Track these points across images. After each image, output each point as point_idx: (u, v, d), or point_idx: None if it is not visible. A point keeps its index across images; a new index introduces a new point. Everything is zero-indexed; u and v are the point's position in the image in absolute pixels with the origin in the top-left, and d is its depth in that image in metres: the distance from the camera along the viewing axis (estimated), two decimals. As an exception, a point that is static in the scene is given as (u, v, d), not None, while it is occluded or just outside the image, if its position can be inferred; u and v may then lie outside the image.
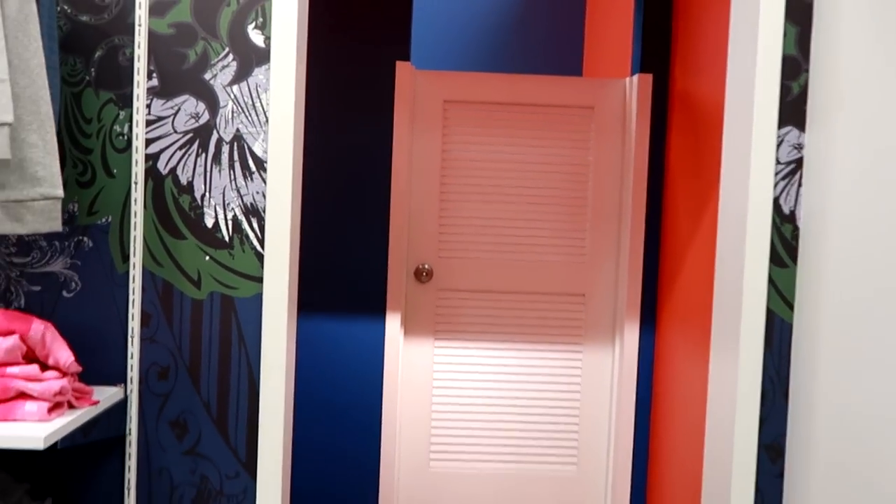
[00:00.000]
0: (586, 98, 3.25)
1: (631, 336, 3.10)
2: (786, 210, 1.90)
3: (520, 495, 3.41)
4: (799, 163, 1.89)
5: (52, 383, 1.52)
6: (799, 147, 1.89)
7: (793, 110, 1.89)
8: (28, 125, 1.45)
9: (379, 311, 3.06)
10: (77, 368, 1.62)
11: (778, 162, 1.89)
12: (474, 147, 3.28)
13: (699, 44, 2.67)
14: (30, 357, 1.56)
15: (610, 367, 3.26)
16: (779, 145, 1.89)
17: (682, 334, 2.75)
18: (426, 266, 3.25)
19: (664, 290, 3.00)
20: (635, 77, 3.07)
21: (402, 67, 3.03)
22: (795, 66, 1.88)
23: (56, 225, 1.53)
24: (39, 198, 1.48)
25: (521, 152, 3.30)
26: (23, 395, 1.51)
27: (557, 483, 3.36)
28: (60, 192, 1.52)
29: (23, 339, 1.53)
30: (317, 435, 3.04)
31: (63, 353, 1.56)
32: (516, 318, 3.34)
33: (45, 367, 1.57)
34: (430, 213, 3.27)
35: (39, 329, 1.55)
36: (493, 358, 3.33)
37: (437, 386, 3.32)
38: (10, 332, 1.51)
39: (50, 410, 1.52)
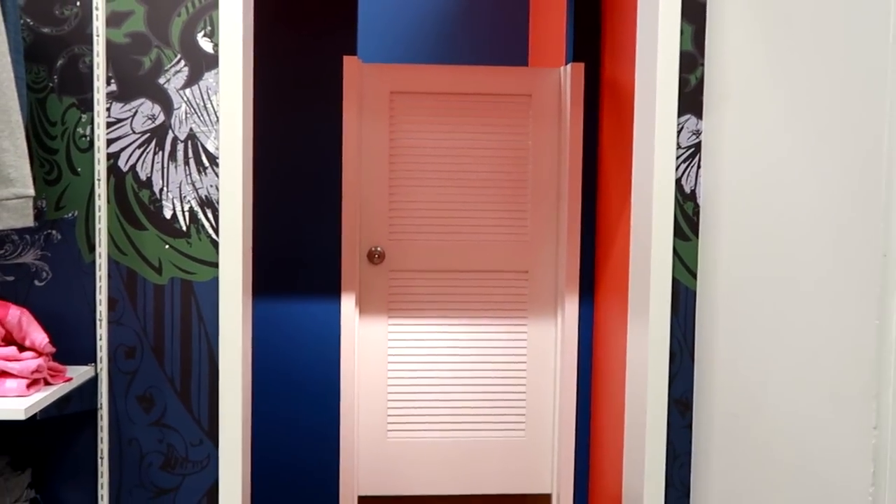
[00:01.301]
0: (524, 86, 3.45)
1: (571, 308, 3.32)
2: (687, 189, 2.13)
3: (473, 462, 3.64)
4: (697, 147, 2.12)
5: (30, 362, 1.70)
6: (697, 133, 2.11)
7: (691, 100, 2.11)
8: (0, 132, 1.63)
9: (334, 293, 3.25)
10: (51, 349, 1.81)
11: (679, 146, 2.11)
12: (420, 135, 3.48)
13: (623, 35, 2.88)
14: (8, 340, 1.74)
15: (553, 338, 3.48)
16: (679, 131, 2.11)
17: (615, 305, 2.98)
18: (378, 248, 3.45)
19: (600, 264, 3.22)
20: (569, 66, 3.28)
21: (349, 61, 3.21)
22: (692, 61, 2.10)
23: (28, 220, 1.71)
24: (12, 197, 1.66)
25: (465, 139, 3.50)
26: (3, 374, 1.69)
27: (507, 449, 3.59)
28: (31, 191, 1.70)
29: (1, 323, 1.70)
30: (279, 410, 3.23)
31: (38, 335, 1.75)
32: (465, 295, 3.56)
33: (22, 348, 1.75)
34: (381, 198, 3.46)
35: (16, 314, 1.73)
36: (444, 333, 3.55)
37: (392, 361, 3.53)
38: (-11, 318, 1.69)
39: (28, 387, 1.70)
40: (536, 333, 3.53)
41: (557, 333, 3.43)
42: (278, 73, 3.14)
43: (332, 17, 3.19)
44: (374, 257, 3.44)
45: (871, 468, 1.37)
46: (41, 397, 1.69)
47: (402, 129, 3.48)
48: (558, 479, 3.41)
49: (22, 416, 1.60)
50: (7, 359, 1.68)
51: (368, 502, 3.62)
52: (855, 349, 1.41)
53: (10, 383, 1.68)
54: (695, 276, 2.14)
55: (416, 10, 4.83)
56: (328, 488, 3.29)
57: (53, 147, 1.99)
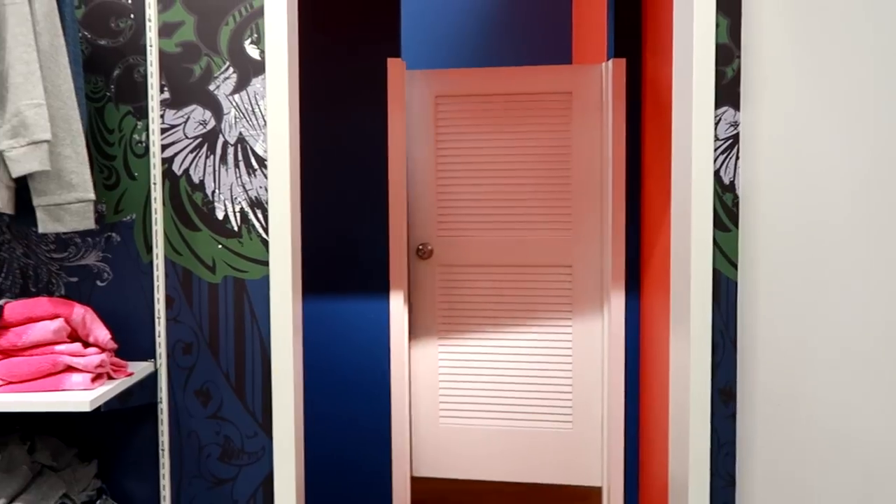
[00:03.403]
0: (565, 84, 3.48)
1: (617, 302, 3.34)
2: (726, 181, 2.14)
3: (521, 450, 3.70)
4: (735, 138, 2.13)
5: (93, 357, 1.80)
6: (735, 124, 2.13)
7: (728, 92, 2.12)
8: (62, 140, 1.73)
9: (383, 290, 3.32)
10: (113, 346, 1.90)
11: (717, 138, 2.13)
12: (466, 136, 3.56)
13: (662, 30, 2.90)
14: (73, 337, 1.84)
15: (599, 331, 3.51)
16: (717, 123, 2.13)
17: (660, 298, 2.99)
18: (427, 245, 3.55)
19: (645, 258, 3.24)
20: (610, 62, 3.30)
21: (393, 63, 3.28)
22: (728, 53, 2.12)
23: (90, 223, 1.81)
24: (75, 201, 1.76)
25: (509, 138, 3.57)
26: (69, 369, 1.79)
27: (555, 440, 3.63)
28: (92, 196, 1.79)
29: (67, 321, 1.80)
30: (331, 405, 3.32)
31: (101, 332, 1.84)
32: (511, 290, 3.62)
33: (86, 344, 1.85)
34: (429, 197, 3.55)
35: (80, 312, 1.83)
36: (491, 325, 3.62)
37: (443, 353, 3.61)
38: (56, 316, 1.79)
39: (93, 381, 1.80)
40: (581, 326, 3.56)
41: (603, 327, 3.46)
42: (324, 76, 3.23)
43: (376, 21, 3.26)
44: (423, 253, 3.55)
45: (908, 451, 1.38)
46: (105, 390, 1.79)
47: (448, 130, 3.57)
48: (608, 471, 3.43)
49: (87, 408, 1.69)
50: (73, 354, 1.78)
51: (421, 482, 3.71)
52: (891, 336, 1.42)
53: (76, 377, 1.78)
54: (735, 266, 2.16)
55: (459, 10, 4.89)
56: (380, 482, 3.37)
57: (111, 153, 2.09)
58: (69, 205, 1.75)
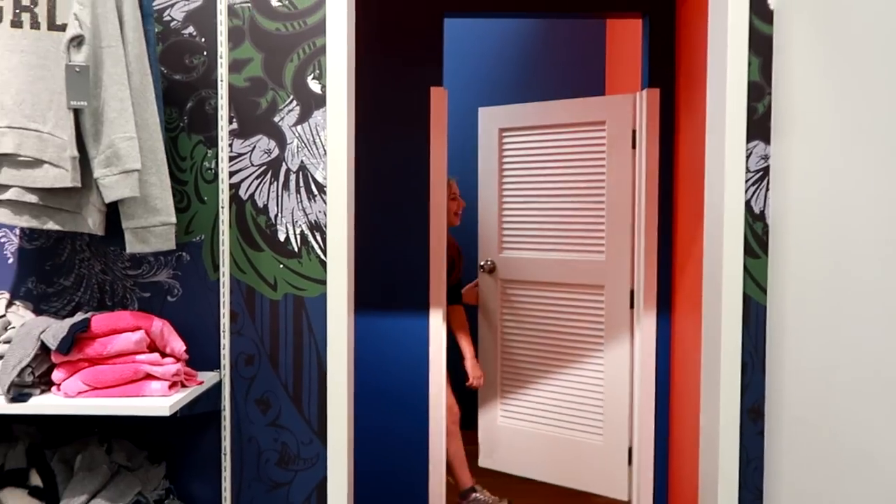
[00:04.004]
0: (605, 114, 3.63)
1: (649, 322, 3.46)
2: (756, 210, 2.28)
3: (556, 455, 3.87)
4: (766, 171, 2.27)
5: (171, 367, 1.97)
6: (765, 157, 2.26)
7: (759, 127, 2.26)
8: (149, 169, 1.90)
9: (423, 307, 3.48)
10: (186, 356, 2.07)
11: (748, 170, 2.27)
12: (524, 165, 4.01)
13: (696, 62, 3.04)
14: (152, 347, 2.00)
15: (629, 348, 3.64)
16: (748, 156, 2.26)
17: (690, 319, 3.12)
18: (489, 261, 3.97)
19: (676, 281, 3.36)
20: (644, 91, 3.44)
21: (435, 92, 3.45)
22: (760, 90, 2.26)
23: (171, 244, 1.98)
24: (159, 224, 1.93)
25: (557, 164, 3.86)
26: (149, 377, 1.95)
27: (585, 449, 3.81)
28: (174, 220, 1.97)
29: (147, 333, 1.97)
30: (374, 417, 3.47)
31: (177, 344, 2.01)
32: (553, 306, 3.87)
33: (163, 355, 2.01)
34: (494, 219, 3.99)
35: (159, 325, 2.00)
36: (538, 334, 3.95)
37: (504, 357, 3.98)
38: (137, 328, 1.96)
39: (170, 388, 1.96)
40: (613, 343, 3.69)
41: (634, 344, 3.58)
42: (372, 104, 3.40)
43: (420, 52, 3.44)
44: (486, 268, 4.00)
45: (924, 466, 1.50)
46: (180, 397, 1.95)
47: (510, 159, 3.98)
48: (638, 486, 3.54)
49: (167, 413, 1.86)
50: (152, 363, 1.95)
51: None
52: (908, 357, 1.55)
53: (155, 385, 1.94)
54: (765, 291, 2.29)
55: (498, 42, 5.07)
56: (418, 490, 3.51)
57: (183, 179, 2.27)
58: (154, 227, 1.92)
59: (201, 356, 2.27)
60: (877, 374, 1.69)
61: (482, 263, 4.16)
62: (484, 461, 4.28)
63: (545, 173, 3.95)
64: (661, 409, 3.48)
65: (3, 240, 2.27)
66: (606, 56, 5.00)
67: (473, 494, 3.81)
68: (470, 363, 3.88)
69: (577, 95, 4.26)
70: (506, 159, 4.09)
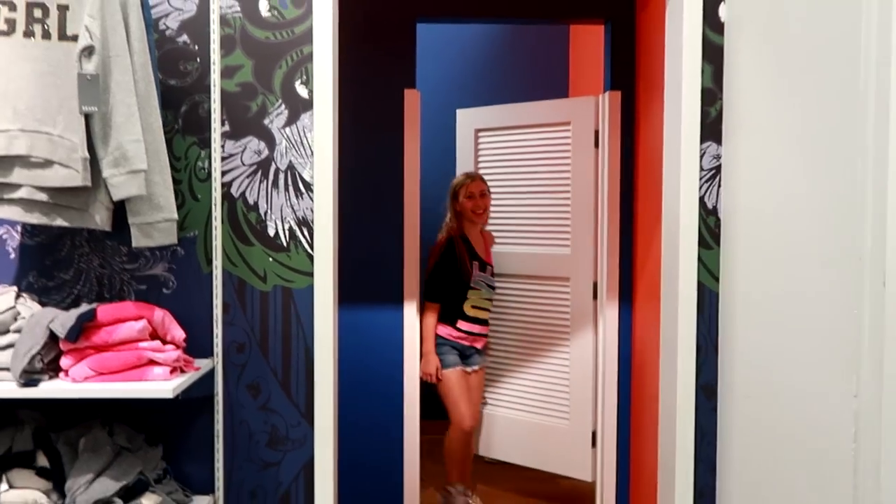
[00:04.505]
0: (568, 114, 3.83)
1: (612, 311, 3.66)
2: (709, 205, 2.49)
3: (523, 437, 4.11)
4: (718, 169, 2.48)
5: (171, 353, 2.12)
6: (718, 157, 2.47)
7: (712, 129, 2.47)
8: (153, 169, 2.05)
9: (398, 300, 3.65)
10: (185, 344, 2.22)
11: (702, 169, 2.47)
12: (499, 162, 4.20)
13: (654, 67, 3.24)
14: (153, 335, 2.15)
15: (593, 338, 3.84)
16: (702, 156, 2.47)
17: (650, 306, 3.33)
18: None
19: (637, 272, 3.57)
20: (606, 94, 3.64)
21: (409, 94, 3.61)
22: (712, 96, 2.47)
23: (173, 239, 2.13)
24: (162, 220, 2.08)
25: (527, 162, 4.06)
26: (151, 363, 2.10)
27: (552, 432, 4.03)
28: (176, 216, 2.12)
29: (149, 322, 2.12)
30: (352, 408, 3.63)
31: (177, 332, 2.16)
32: (522, 297, 4.07)
33: (164, 342, 2.16)
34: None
35: (160, 314, 2.14)
36: (507, 324, 4.11)
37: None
38: (140, 318, 2.10)
39: (171, 373, 2.11)
40: (578, 331, 3.89)
41: (598, 334, 3.78)
42: (349, 106, 3.55)
43: (394, 55, 3.60)
44: None
45: (852, 429, 1.71)
46: (181, 381, 2.10)
47: (485, 157, 4.14)
48: (602, 467, 3.74)
49: (170, 395, 2.01)
50: (155, 350, 2.09)
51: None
52: (839, 334, 1.76)
53: (157, 370, 2.09)
54: (717, 279, 2.50)
55: (473, 46, 5.27)
56: (392, 480, 3.68)
57: (178, 178, 2.41)
58: (158, 223, 2.08)
59: (195, 345, 2.41)
60: (810, 351, 1.90)
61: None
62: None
63: (516, 171, 4.16)
64: (623, 395, 3.69)
65: (5, 236, 2.39)
66: (571, 59, 5.21)
67: (460, 496, 3.99)
68: None
69: (547, 97, 4.46)
70: (481, 158, 4.29)
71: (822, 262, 1.85)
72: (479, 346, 4.01)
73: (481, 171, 4.26)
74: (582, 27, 4.77)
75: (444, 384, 3.88)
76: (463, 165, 4.39)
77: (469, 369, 3.97)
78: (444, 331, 3.92)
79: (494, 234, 4.20)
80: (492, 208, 4.07)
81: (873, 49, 1.63)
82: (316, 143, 2.42)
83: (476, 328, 3.96)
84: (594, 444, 3.89)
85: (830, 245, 1.81)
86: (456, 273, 3.89)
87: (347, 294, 3.55)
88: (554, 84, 5.19)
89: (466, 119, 4.39)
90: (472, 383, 3.99)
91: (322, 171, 2.42)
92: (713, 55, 2.46)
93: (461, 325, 3.92)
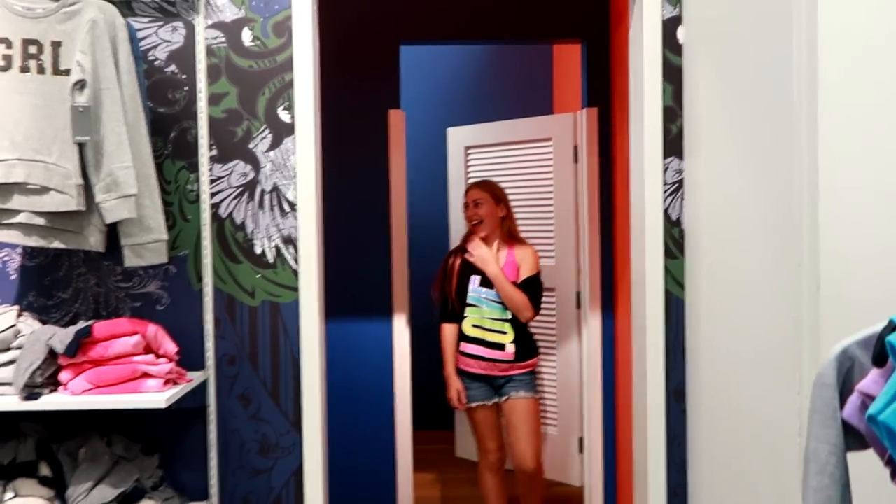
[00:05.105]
0: (548, 131, 3.97)
1: (594, 320, 3.78)
2: (673, 217, 2.62)
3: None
4: (680, 183, 2.61)
5: (164, 366, 2.25)
6: (680, 171, 2.61)
7: (674, 145, 2.61)
8: (143, 193, 2.19)
9: (387, 313, 3.77)
10: (178, 357, 2.35)
11: (665, 182, 2.61)
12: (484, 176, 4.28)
13: (626, 84, 3.38)
14: (147, 349, 2.28)
15: (578, 347, 3.96)
16: (665, 170, 2.61)
17: (630, 317, 3.44)
18: None
19: (618, 282, 3.69)
20: (584, 111, 3.78)
21: (394, 114, 3.76)
22: (673, 113, 2.60)
23: (164, 258, 2.27)
24: (153, 241, 2.22)
25: (513, 177, 4.16)
26: (145, 375, 2.23)
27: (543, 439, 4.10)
28: (166, 237, 2.26)
29: (143, 336, 2.25)
30: (343, 419, 3.76)
31: (170, 346, 2.29)
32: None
33: (158, 356, 2.29)
34: (460, 228, 4.45)
35: (153, 330, 2.27)
36: None
37: None
38: (134, 333, 2.23)
39: (164, 385, 2.24)
40: (564, 340, 4.01)
41: (583, 343, 3.90)
42: (336, 126, 3.69)
43: (379, 77, 3.75)
44: None
45: (797, 423, 1.83)
46: (174, 392, 2.23)
47: (474, 173, 4.27)
48: (590, 473, 3.85)
49: (164, 405, 2.14)
50: (149, 363, 2.22)
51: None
52: (783, 335, 1.89)
53: (151, 382, 2.22)
54: (683, 287, 2.62)
55: (460, 66, 5.43)
56: (385, 489, 3.79)
57: (169, 201, 2.54)
58: (149, 244, 2.21)
59: (188, 358, 2.54)
60: (761, 353, 2.03)
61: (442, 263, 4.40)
62: (460, 452, 4.58)
63: (504, 186, 4.27)
64: (608, 401, 3.80)
65: (6, 258, 2.53)
66: (553, 77, 5.35)
67: None
68: None
69: (533, 114, 4.60)
70: (471, 174, 4.43)
71: (766, 268, 1.98)
72: (499, 372, 3.45)
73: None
74: (565, 46, 4.91)
75: (469, 419, 3.58)
76: (454, 181, 4.52)
77: (490, 402, 3.48)
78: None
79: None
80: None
81: (804, 71, 1.76)
82: (299, 165, 2.56)
83: (484, 351, 3.44)
84: (581, 449, 4.00)
85: (773, 253, 1.93)
86: (446, 290, 3.56)
87: (338, 308, 3.69)
88: (539, 101, 5.33)
89: (457, 137, 4.54)
90: (510, 414, 3.47)
91: (305, 191, 2.56)
92: (673, 75, 2.60)
93: (463, 346, 3.49)
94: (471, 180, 4.38)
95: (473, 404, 3.48)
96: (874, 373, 1.11)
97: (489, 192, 3.52)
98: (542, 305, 4.03)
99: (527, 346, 3.49)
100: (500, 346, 3.43)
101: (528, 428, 3.44)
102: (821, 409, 1.15)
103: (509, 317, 3.43)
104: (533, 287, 3.45)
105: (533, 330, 3.85)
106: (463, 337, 3.49)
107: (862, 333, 1.16)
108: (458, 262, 3.53)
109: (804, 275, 1.78)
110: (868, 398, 1.09)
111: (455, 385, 3.49)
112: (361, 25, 3.72)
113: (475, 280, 3.46)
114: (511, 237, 3.53)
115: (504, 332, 3.44)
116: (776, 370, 1.95)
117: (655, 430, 2.65)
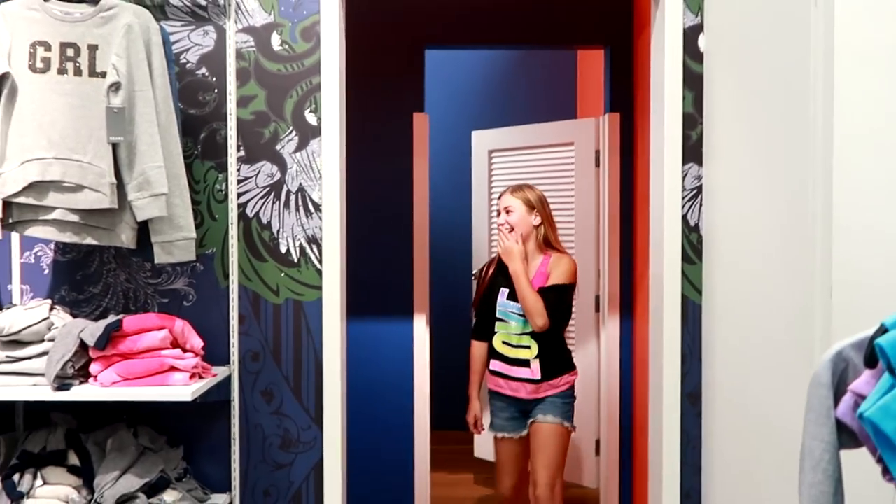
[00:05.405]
0: (570, 136, 4.01)
1: (613, 323, 3.81)
2: (692, 223, 2.65)
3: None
4: (699, 189, 2.64)
5: (191, 360, 2.31)
6: (699, 178, 2.64)
7: (693, 151, 2.64)
8: (173, 192, 2.26)
9: (408, 313, 3.83)
10: (203, 352, 2.41)
11: (684, 189, 2.64)
12: (509, 182, 4.32)
13: (648, 90, 3.41)
14: (174, 344, 2.35)
15: (596, 350, 3.99)
16: (684, 177, 2.64)
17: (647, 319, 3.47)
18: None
19: (637, 286, 3.72)
20: (606, 116, 3.81)
21: (418, 117, 3.81)
22: (693, 120, 2.63)
23: (192, 256, 2.34)
24: (182, 239, 2.29)
25: (535, 180, 4.21)
26: (172, 369, 2.29)
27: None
28: (195, 235, 2.33)
29: (170, 331, 2.32)
30: (363, 411, 3.81)
31: (196, 341, 2.36)
32: None
33: (184, 350, 2.36)
34: (484, 231, 4.41)
35: (180, 325, 2.34)
36: None
37: None
38: (162, 328, 2.30)
39: (190, 378, 2.31)
40: (581, 343, 4.04)
41: (601, 346, 3.93)
42: (361, 129, 3.75)
43: (404, 80, 3.80)
44: (476, 277, 4.18)
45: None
46: (199, 386, 2.30)
47: (498, 176, 4.29)
48: (606, 476, 3.88)
49: (189, 398, 2.21)
50: (175, 357, 2.29)
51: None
52: (795, 340, 1.92)
53: (178, 376, 2.29)
54: (700, 292, 2.65)
55: (485, 70, 5.48)
56: (403, 487, 3.85)
57: (198, 200, 2.61)
58: (178, 241, 2.28)
59: (213, 353, 2.60)
60: (776, 357, 2.06)
61: (474, 272, 4.34)
62: (478, 452, 4.61)
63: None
64: (625, 404, 3.83)
65: (39, 254, 2.61)
66: (578, 82, 5.39)
67: None
68: None
69: (556, 118, 4.63)
70: (494, 177, 4.46)
71: (781, 274, 2.01)
72: (528, 395, 3.12)
73: (494, 190, 4.36)
74: (588, 51, 4.95)
75: (494, 446, 3.30)
76: (478, 184, 4.52)
77: (517, 435, 3.19)
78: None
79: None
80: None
81: (820, 80, 1.79)
82: (324, 166, 2.62)
83: (507, 368, 3.13)
84: (597, 452, 4.03)
85: (787, 260, 1.97)
86: (482, 301, 3.29)
87: (360, 307, 3.74)
88: (562, 106, 5.36)
89: (481, 140, 4.55)
90: (532, 437, 3.15)
91: (330, 192, 2.62)
92: (693, 82, 2.63)
93: (492, 364, 3.21)
94: (494, 184, 4.42)
95: (499, 434, 3.22)
96: (866, 374, 1.15)
97: (521, 199, 3.16)
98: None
99: (557, 362, 3.13)
100: (524, 363, 3.09)
101: (548, 456, 3.10)
102: (816, 408, 1.20)
103: (526, 331, 3.10)
104: (555, 295, 3.07)
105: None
106: (492, 354, 3.20)
107: (856, 336, 1.21)
108: (489, 272, 3.27)
109: (817, 281, 1.81)
110: (860, 398, 1.13)
111: (474, 409, 3.30)
112: (387, 29, 3.78)
113: (504, 293, 3.14)
114: (548, 245, 3.20)
115: (527, 347, 3.09)
116: (790, 375, 1.97)
117: (670, 432, 2.68)
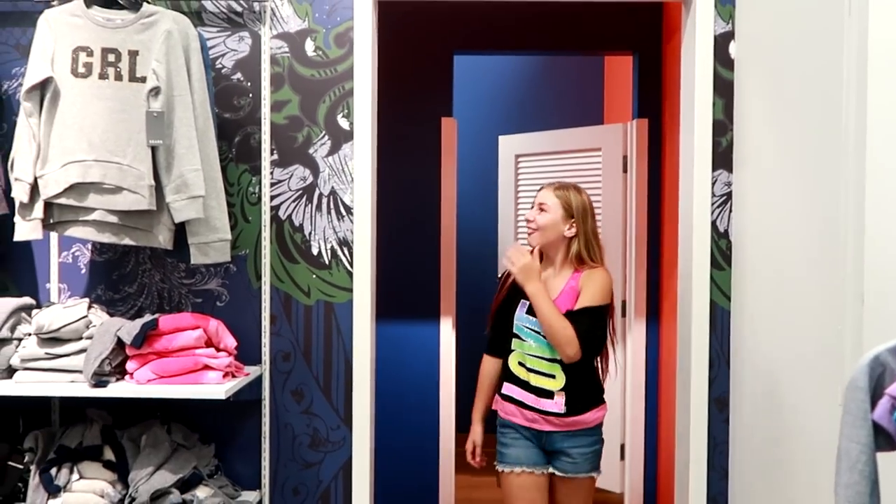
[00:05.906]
0: (597, 141, 4.02)
1: (639, 330, 3.82)
2: (721, 229, 2.66)
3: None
4: (729, 195, 2.65)
5: (224, 359, 2.36)
6: (728, 184, 2.65)
7: (723, 158, 2.65)
8: (210, 194, 2.31)
9: (435, 316, 3.86)
10: (236, 351, 2.46)
11: (714, 195, 2.65)
12: (536, 187, 4.32)
13: (677, 97, 3.42)
14: (208, 343, 2.39)
15: (621, 355, 4.00)
16: (714, 183, 2.65)
17: (675, 327, 3.48)
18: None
19: (663, 292, 3.73)
20: (634, 121, 3.82)
21: (446, 122, 3.84)
22: (723, 127, 2.64)
23: (227, 257, 2.38)
24: (217, 240, 2.34)
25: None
26: (206, 368, 2.34)
27: None
28: (230, 237, 2.37)
29: (205, 331, 2.36)
30: (390, 417, 3.85)
31: (230, 340, 2.40)
32: None
33: (218, 349, 2.40)
34: (510, 234, 4.45)
35: (214, 324, 2.39)
36: None
37: None
38: (197, 327, 2.34)
39: (223, 377, 2.35)
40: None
41: (627, 351, 3.94)
42: (390, 133, 3.78)
43: (433, 85, 3.84)
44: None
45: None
46: (232, 384, 2.34)
47: (524, 181, 4.32)
48: (630, 481, 3.88)
49: (223, 396, 2.25)
50: (209, 357, 2.33)
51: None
52: (826, 346, 1.93)
53: (212, 374, 2.33)
54: (729, 298, 2.66)
55: (513, 75, 5.50)
56: (428, 488, 3.87)
57: (232, 202, 2.66)
58: (213, 243, 2.33)
59: (245, 353, 2.64)
60: (806, 364, 2.07)
61: (499, 275, 4.38)
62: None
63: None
64: (651, 409, 3.84)
65: (77, 254, 2.67)
66: (605, 87, 5.40)
67: None
68: None
69: (583, 124, 4.65)
70: (521, 182, 4.49)
71: (811, 281, 2.02)
72: (550, 427, 2.54)
73: (521, 194, 4.41)
74: (616, 57, 4.96)
75: (502, 486, 2.64)
76: (504, 188, 4.55)
77: (538, 471, 2.57)
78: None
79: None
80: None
81: (853, 87, 1.80)
82: (356, 170, 2.66)
83: (527, 397, 2.56)
84: (622, 456, 4.04)
85: (818, 267, 1.97)
86: (498, 312, 2.71)
87: (388, 310, 3.77)
88: (590, 111, 5.37)
89: (508, 145, 4.58)
90: (554, 487, 2.61)
91: (361, 196, 2.65)
92: (724, 89, 2.64)
93: (504, 388, 2.65)
94: (521, 188, 4.45)
95: (507, 469, 2.60)
96: (903, 378, 1.18)
97: (561, 199, 2.57)
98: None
99: (585, 396, 2.56)
100: (548, 394, 2.53)
101: None
102: (853, 411, 1.23)
103: (549, 354, 2.54)
104: (589, 320, 2.49)
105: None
106: (506, 375, 2.65)
107: (893, 342, 1.23)
108: (509, 280, 2.65)
109: (849, 288, 1.82)
110: (897, 401, 1.16)
111: (474, 436, 2.75)
112: (417, 35, 3.82)
113: (524, 306, 2.58)
114: (580, 261, 2.58)
115: (552, 377, 2.54)
116: (819, 382, 1.98)
117: (698, 438, 2.68)
